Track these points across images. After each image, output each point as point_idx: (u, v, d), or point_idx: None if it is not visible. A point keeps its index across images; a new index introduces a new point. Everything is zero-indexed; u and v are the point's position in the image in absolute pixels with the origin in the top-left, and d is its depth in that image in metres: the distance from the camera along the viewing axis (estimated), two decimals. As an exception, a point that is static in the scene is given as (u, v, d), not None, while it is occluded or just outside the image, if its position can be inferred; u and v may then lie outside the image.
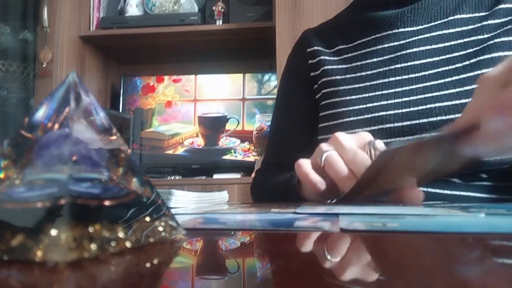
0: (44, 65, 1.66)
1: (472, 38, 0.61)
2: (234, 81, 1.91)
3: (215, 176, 1.75)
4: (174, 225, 0.23)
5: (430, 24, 0.65)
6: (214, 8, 1.81)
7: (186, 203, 0.45)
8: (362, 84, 0.65)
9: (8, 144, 0.20)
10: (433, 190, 0.55)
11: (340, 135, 0.46)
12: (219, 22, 1.80)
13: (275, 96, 1.85)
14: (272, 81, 1.88)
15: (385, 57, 0.65)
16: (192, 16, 1.78)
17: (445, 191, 0.55)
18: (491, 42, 0.59)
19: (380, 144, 0.46)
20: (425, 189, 0.56)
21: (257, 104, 1.88)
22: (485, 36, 0.61)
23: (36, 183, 0.19)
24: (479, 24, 0.62)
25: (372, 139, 0.47)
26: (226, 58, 2.01)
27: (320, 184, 0.46)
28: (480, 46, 0.60)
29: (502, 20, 0.61)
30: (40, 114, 0.20)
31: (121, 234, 0.19)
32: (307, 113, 0.72)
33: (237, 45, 1.87)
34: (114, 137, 0.22)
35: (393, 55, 0.65)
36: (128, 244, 0.19)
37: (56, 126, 0.19)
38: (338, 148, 0.46)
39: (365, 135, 0.47)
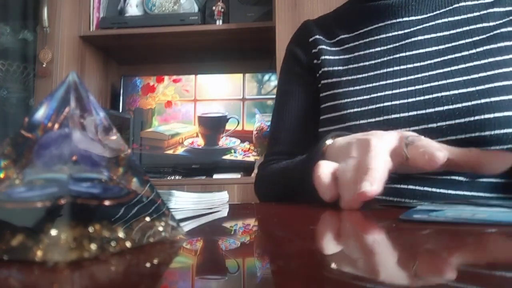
0: (44, 65, 1.66)
1: (478, 26, 0.60)
2: (234, 81, 1.91)
3: (215, 176, 1.75)
4: (174, 225, 0.23)
5: (435, 13, 0.64)
6: (214, 8, 1.81)
7: (186, 204, 0.45)
8: (366, 74, 0.64)
9: (8, 144, 0.20)
10: (437, 190, 0.54)
11: (374, 140, 0.42)
12: (219, 22, 1.80)
13: (275, 96, 1.85)
14: (272, 81, 1.88)
15: (389, 46, 0.64)
16: (192, 16, 1.78)
17: (449, 191, 0.54)
18: (498, 31, 0.59)
19: (413, 139, 0.42)
20: (428, 189, 0.54)
21: (257, 104, 1.88)
22: (491, 24, 0.60)
23: (36, 183, 0.19)
24: (485, 11, 0.61)
25: (406, 136, 0.43)
26: (226, 58, 2.01)
27: (326, 194, 0.42)
28: (487, 35, 0.59)
29: (508, 8, 0.61)
30: (40, 114, 0.20)
31: (121, 234, 0.19)
32: (312, 99, 0.70)
33: (237, 45, 1.87)
34: (114, 137, 0.22)
35: (397, 44, 0.64)
36: (128, 244, 0.19)
37: (56, 126, 0.19)
38: (363, 155, 0.41)
39: (399, 136, 0.44)
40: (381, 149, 0.42)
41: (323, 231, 0.30)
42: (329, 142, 0.50)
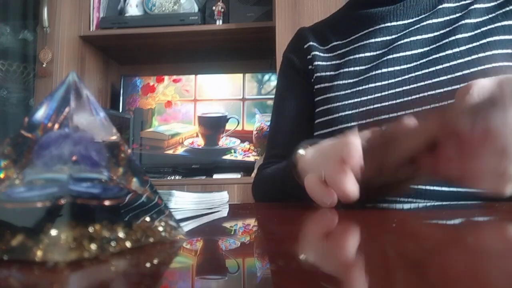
0: (44, 65, 1.66)
1: (461, 23, 0.62)
2: (234, 81, 1.91)
3: (215, 176, 1.75)
4: (174, 225, 0.23)
5: (420, 16, 0.66)
6: (214, 8, 1.81)
7: (186, 204, 0.45)
8: (356, 79, 0.66)
9: (8, 144, 0.20)
10: (430, 188, 0.55)
11: (353, 143, 0.41)
12: (219, 22, 1.80)
13: (273, 99, 1.84)
14: (272, 81, 1.88)
15: (378, 52, 0.66)
16: (192, 16, 1.78)
17: (443, 188, 0.54)
18: (479, 30, 0.61)
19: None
20: (422, 187, 0.55)
21: (257, 104, 1.88)
22: (473, 21, 0.62)
23: (36, 183, 0.19)
24: (466, 10, 0.64)
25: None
26: (226, 58, 2.01)
27: (327, 200, 0.41)
28: (469, 34, 0.61)
29: (487, 5, 0.63)
30: (40, 114, 0.20)
31: (121, 234, 0.19)
32: (307, 103, 0.72)
33: (237, 45, 1.87)
34: (114, 137, 0.22)
35: (386, 49, 0.66)
36: (128, 244, 0.19)
37: (56, 126, 0.19)
38: (346, 157, 0.40)
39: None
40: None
41: (323, 231, 0.30)
42: (301, 152, 0.51)
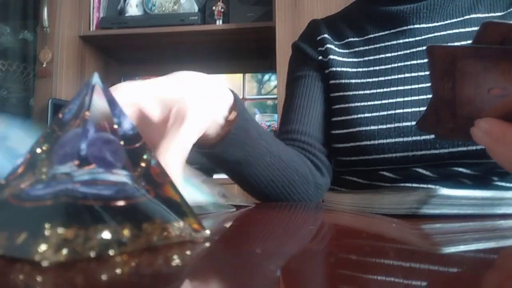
0: (44, 65, 1.65)
1: None
2: (234, 81, 1.90)
3: (215, 176, 1.74)
4: (195, 225, 0.22)
5: (446, 22, 0.64)
6: (214, 8, 1.81)
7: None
8: (376, 79, 0.64)
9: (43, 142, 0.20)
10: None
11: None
12: (219, 22, 1.80)
13: (275, 96, 1.83)
14: (272, 81, 1.87)
15: (400, 53, 0.65)
16: (192, 16, 1.78)
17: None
18: None
19: None
20: (432, 187, 0.55)
21: (257, 104, 1.88)
22: None
23: (42, 181, 0.19)
24: None
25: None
26: (226, 58, 2.01)
27: None
28: None
29: None
30: (61, 114, 0.20)
31: (128, 235, 0.19)
32: (321, 85, 0.69)
33: (237, 45, 1.86)
34: (138, 145, 0.21)
35: (408, 51, 0.64)
36: (136, 245, 0.19)
37: (74, 127, 0.20)
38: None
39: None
40: None
41: (323, 231, 0.31)
42: None
